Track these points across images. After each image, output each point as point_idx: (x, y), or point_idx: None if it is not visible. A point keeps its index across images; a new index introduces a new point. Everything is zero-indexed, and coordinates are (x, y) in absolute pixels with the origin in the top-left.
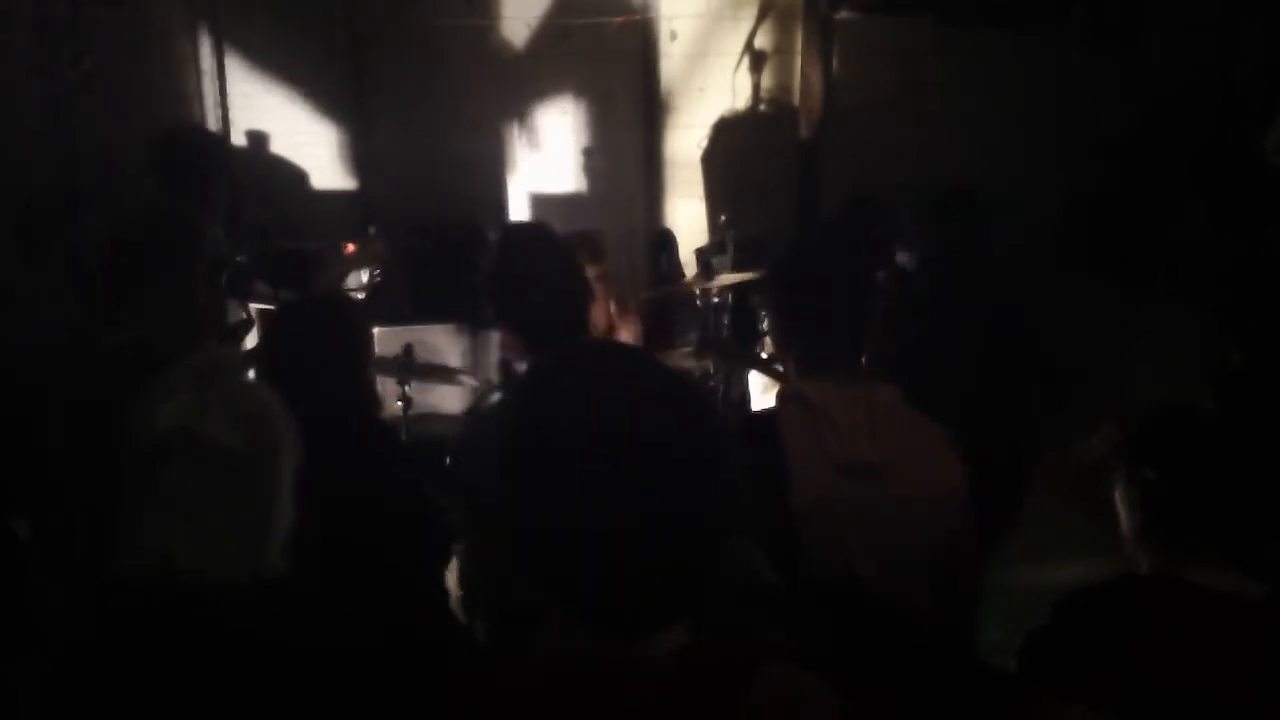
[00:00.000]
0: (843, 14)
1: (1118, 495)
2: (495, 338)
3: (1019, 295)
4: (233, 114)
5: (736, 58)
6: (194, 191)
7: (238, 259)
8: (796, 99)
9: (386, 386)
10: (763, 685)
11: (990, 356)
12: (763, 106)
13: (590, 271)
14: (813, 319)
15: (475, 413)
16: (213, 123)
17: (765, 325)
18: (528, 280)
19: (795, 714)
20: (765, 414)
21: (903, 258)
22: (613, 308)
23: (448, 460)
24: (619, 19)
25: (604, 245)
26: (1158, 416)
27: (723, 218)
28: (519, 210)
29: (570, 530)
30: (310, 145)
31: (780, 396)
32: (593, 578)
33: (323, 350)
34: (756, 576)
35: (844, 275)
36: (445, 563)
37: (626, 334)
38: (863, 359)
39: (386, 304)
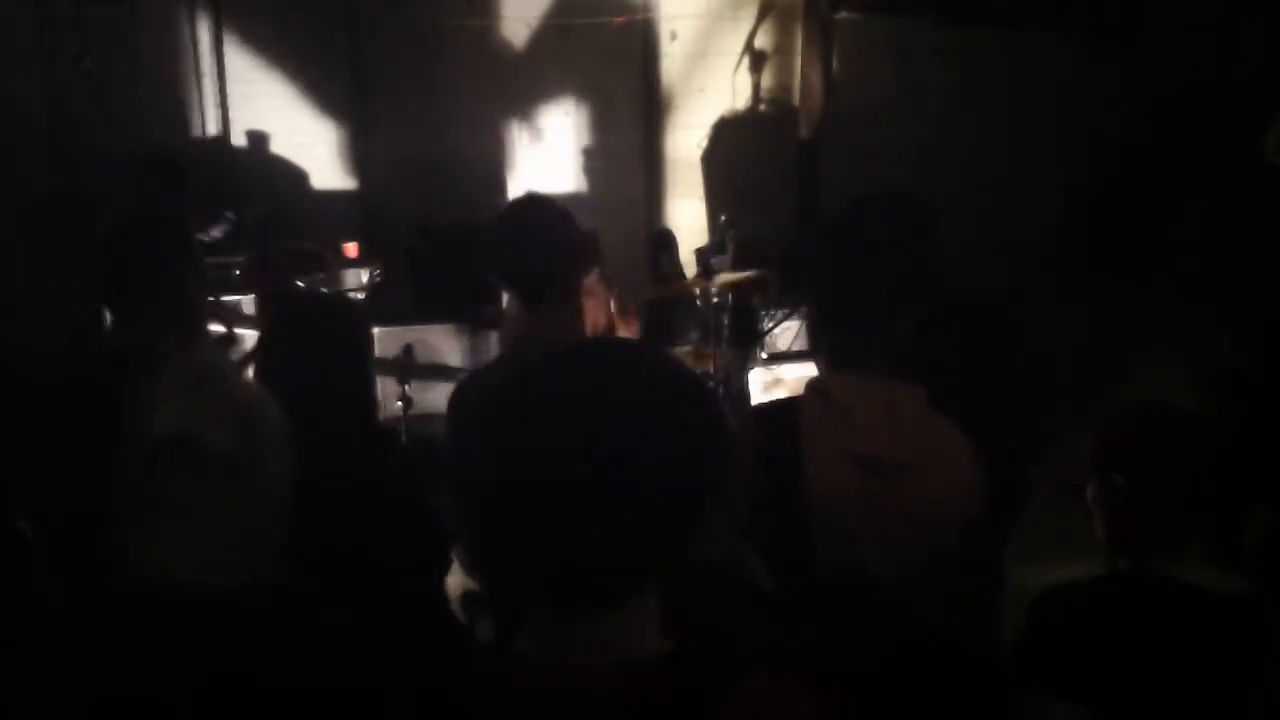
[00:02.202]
0: (843, 14)
1: (1089, 499)
2: (495, 337)
3: (991, 296)
4: (233, 114)
5: (736, 58)
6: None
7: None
8: (796, 99)
9: (386, 386)
10: (745, 689)
11: (965, 360)
12: (763, 106)
13: (590, 275)
14: (840, 312)
15: (460, 391)
16: (213, 123)
17: (765, 325)
18: (527, 239)
19: (776, 718)
20: (787, 403)
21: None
22: (613, 306)
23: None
24: (619, 19)
25: (601, 247)
26: (1126, 421)
27: (723, 218)
28: None
29: (543, 514)
30: (310, 145)
31: (807, 387)
32: (561, 552)
33: (322, 352)
34: (752, 579)
35: (870, 271)
36: (445, 565)
37: (625, 333)
38: (888, 356)
39: (386, 304)
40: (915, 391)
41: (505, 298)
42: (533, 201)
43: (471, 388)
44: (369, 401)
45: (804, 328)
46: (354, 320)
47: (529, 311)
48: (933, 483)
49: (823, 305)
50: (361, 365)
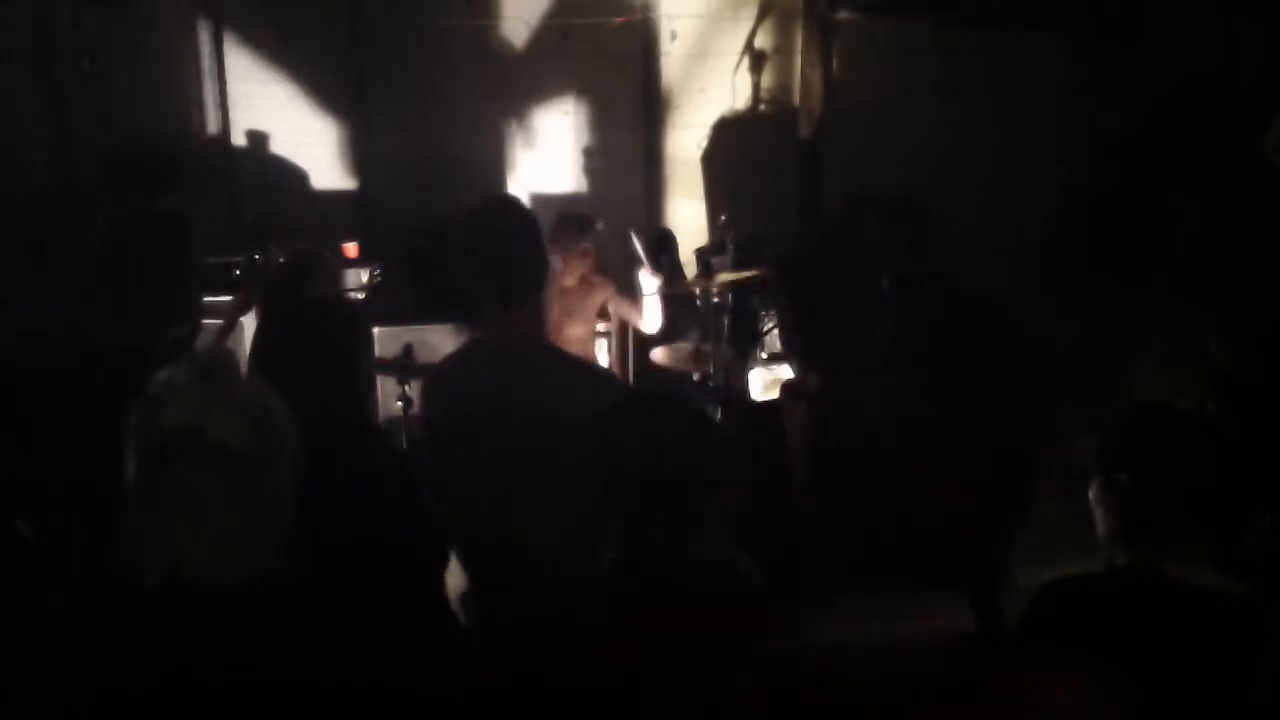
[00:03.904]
0: (843, 14)
1: (1092, 498)
2: None
3: (994, 294)
4: (233, 114)
5: (736, 58)
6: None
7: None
8: (796, 99)
9: (386, 386)
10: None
11: (965, 357)
12: (763, 106)
13: (579, 246)
14: (818, 313)
15: (429, 384)
16: (213, 123)
17: (765, 325)
18: (490, 241)
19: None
20: (769, 405)
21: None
22: (611, 304)
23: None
24: (619, 19)
25: (590, 222)
26: (1128, 420)
27: (723, 218)
28: None
29: None
30: (310, 145)
31: (784, 388)
32: None
33: (316, 352)
34: (744, 578)
35: (850, 271)
36: (443, 562)
37: (602, 295)
38: (868, 354)
39: (387, 304)
40: (897, 389)
41: None
42: (496, 203)
43: (441, 376)
44: (362, 400)
45: (778, 327)
46: (348, 320)
47: (495, 309)
48: (916, 479)
49: (806, 305)
50: (355, 364)
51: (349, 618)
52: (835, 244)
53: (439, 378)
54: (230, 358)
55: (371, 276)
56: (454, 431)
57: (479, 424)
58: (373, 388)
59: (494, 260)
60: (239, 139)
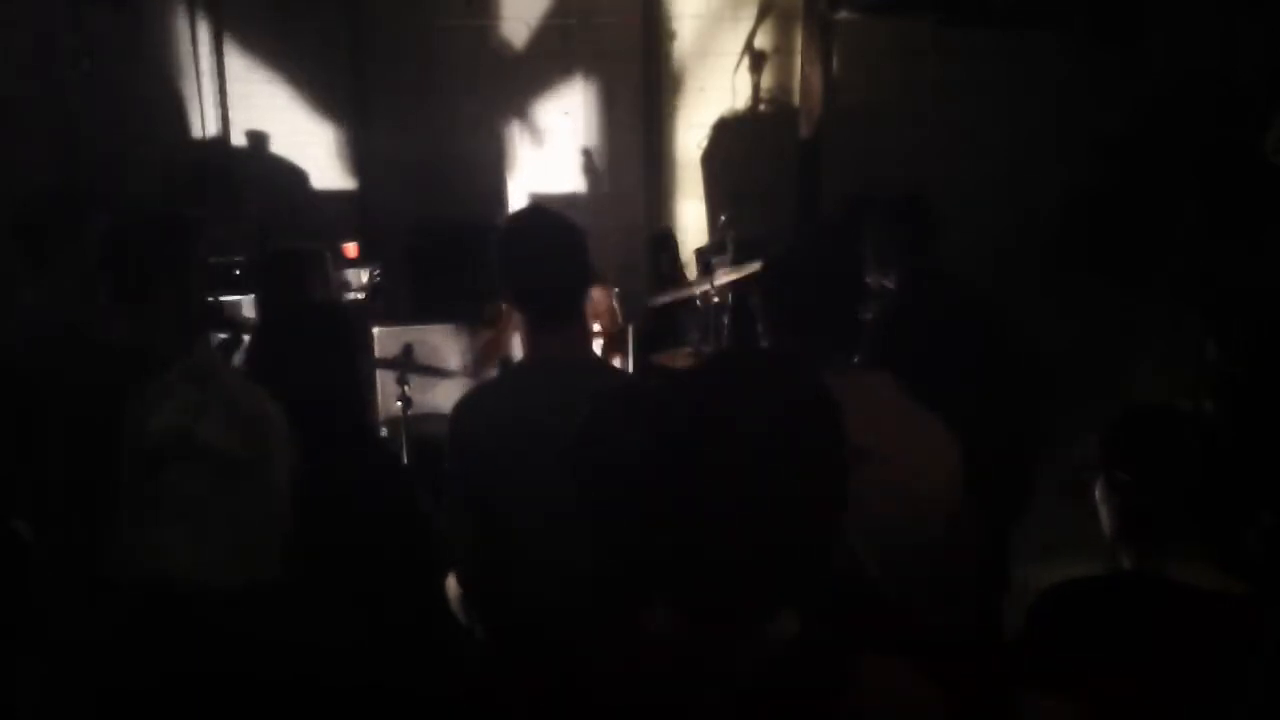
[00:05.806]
0: (843, 14)
1: (1097, 496)
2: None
3: (992, 293)
4: (233, 114)
5: (736, 58)
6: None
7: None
8: (796, 99)
9: (386, 386)
10: (867, 676)
11: (965, 355)
12: (763, 106)
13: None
14: (804, 314)
15: (464, 405)
16: (213, 123)
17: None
18: (533, 258)
19: (897, 705)
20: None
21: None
22: (615, 305)
23: (446, 463)
24: (619, 19)
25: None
26: (1131, 419)
27: (723, 218)
28: None
29: (688, 522)
30: (310, 145)
31: None
32: (704, 569)
33: (314, 356)
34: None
35: (835, 271)
36: (440, 565)
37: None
38: (854, 354)
39: (387, 304)
40: (885, 378)
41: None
42: (538, 216)
43: (475, 402)
44: (358, 404)
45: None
46: (343, 323)
47: (536, 330)
48: (915, 468)
49: (788, 306)
50: (350, 369)
51: (345, 622)
52: (819, 245)
53: (477, 399)
54: (225, 361)
55: (371, 276)
56: (501, 453)
57: (531, 446)
58: (372, 388)
59: (532, 281)
60: (239, 139)
